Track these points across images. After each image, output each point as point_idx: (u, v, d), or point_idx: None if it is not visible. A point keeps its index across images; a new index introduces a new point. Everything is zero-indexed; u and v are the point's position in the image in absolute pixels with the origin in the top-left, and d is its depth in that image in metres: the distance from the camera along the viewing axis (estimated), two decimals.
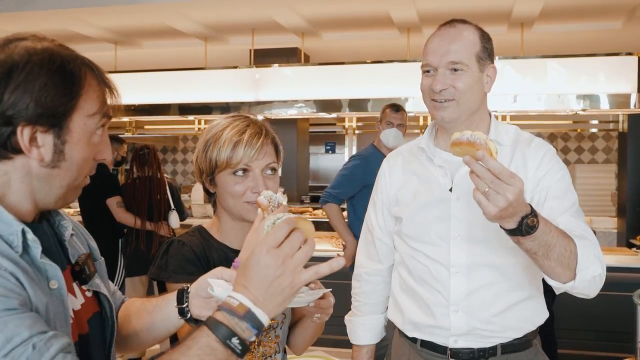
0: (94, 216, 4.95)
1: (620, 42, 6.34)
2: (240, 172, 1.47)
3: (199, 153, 1.53)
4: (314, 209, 6.84)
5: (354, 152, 8.76)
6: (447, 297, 1.73)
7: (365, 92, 5.83)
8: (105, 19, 5.93)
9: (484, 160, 1.26)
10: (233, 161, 1.46)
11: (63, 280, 1.03)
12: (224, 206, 1.53)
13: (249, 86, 6.08)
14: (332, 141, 9.56)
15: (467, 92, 1.70)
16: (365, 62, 5.91)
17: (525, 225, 1.35)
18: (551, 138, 8.52)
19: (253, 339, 1.00)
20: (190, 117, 7.11)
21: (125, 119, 7.41)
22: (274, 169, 1.52)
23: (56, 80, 1.00)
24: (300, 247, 1.00)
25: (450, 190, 1.76)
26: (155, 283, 1.53)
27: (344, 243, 4.23)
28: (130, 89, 6.19)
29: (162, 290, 1.50)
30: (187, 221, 5.67)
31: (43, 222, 1.12)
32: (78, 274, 1.14)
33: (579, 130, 8.43)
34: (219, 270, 1.23)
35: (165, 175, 5.28)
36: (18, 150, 0.99)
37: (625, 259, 4.51)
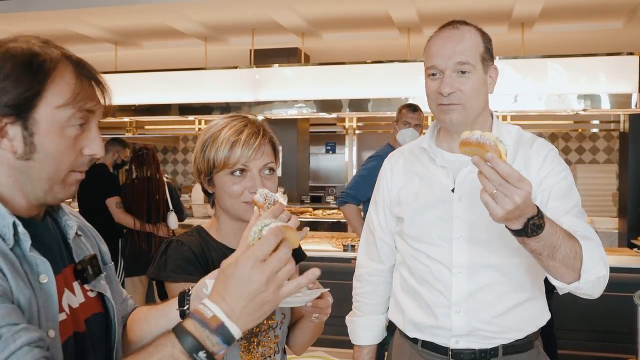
0: (93, 216, 4.92)
1: (621, 41, 6.33)
2: (237, 172, 1.47)
3: (197, 153, 1.53)
4: (314, 209, 6.84)
5: (354, 152, 8.77)
6: (448, 297, 1.73)
7: (366, 92, 5.83)
8: (105, 19, 5.93)
9: (492, 162, 1.25)
10: (230, 161, 1.46)
11: (53, 275, 1.04)
12: (222, 206, 1.53)
13: (249, 86, 6.08)
14: (332, 141, 9.56)
15: (474, 95, 1.69)
16: (365, 62, 5.91)
17: (531, 227, 1.34)
18: (552, 138, 8.51)
19: (222, 353, 0.96)
20: (191, 117, 7.12)
21: (126, 119, 7.42)
22: (272, 169, 1.51)
23: (19, 71, 1.00)
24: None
25: (453, 190, 1.75)
26: (154, 283, 1.52)
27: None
28: (131, 89, 6.19)
29: (161, 290, 1.50)
30: (188, 221, 5.67)
31: (47, 219, 1.14)
32: (80, 272, 1.15)
33: (579, 130, 8.43)
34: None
35: (165, 175, 5.28)
36: None
37: (626, 259, 4.50)
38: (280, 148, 1.58)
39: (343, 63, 5.94)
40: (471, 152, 1.30)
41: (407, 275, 1.84)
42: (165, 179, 5.23)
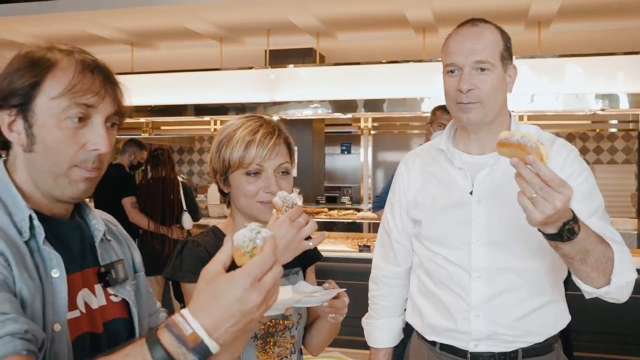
0: None
1: (639, 40, 6.26)
2: (252, 172, 1.47)
3: (213, 153, 1.54)
4: (330, 209, 6.83)
5: (370, 152, 8.75)
6: (467, 301, 1.71)
7: (381, 93, 5.81)
8: (121, 20, 5.98)
9: (534, 165, 1.22)
10: (245, 161, 1.46)
11: (65, 271, 1.05)
12: (238, 206, 1.53)
13: (264, 87, 6.09)
14: (347, 142, 9.53)
15: (492, 93, 1.67)
16: (380, 62, 5.89)
17: (566, 231, 1.32)
18: (569, 138, 8.43)
19: None
20: (206, 118, 7.15)
21: (142, 119, 7.47)
22: (287, 169, 1.51)
23: (24, 65, 1.07)
24: None
25: (471, 193, 1.73)
26: (170, 283, 1.53)
27: None
28: (147, 90, 6.23)
29: (177, 290, 1.51)
30: (204, 221, 5.69)
31: (75, 220, 1.17)
32: (102, 275, 1.16)
33: (597, 130, 8.34)
34: None
35: (181, 175, 5.31)
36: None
37: None
38: (295, 148, 1.58)
39: (358, 63, 5.93)
40: (510, 153, 1.27)
41: (425, 278, 1.82)
42: (180, 179, 5.26)
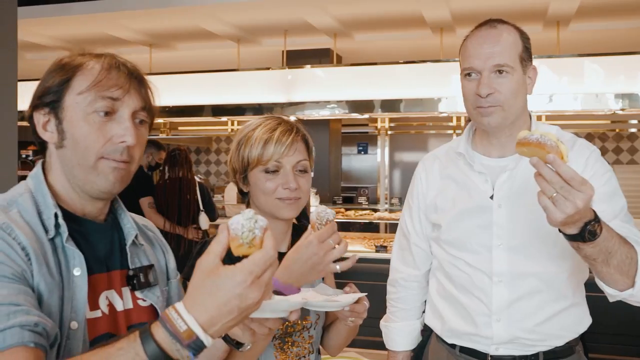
0: None
1: None
2: (271, 169, 1.48)
3: (232, 153, 1.55)
4: (346, 209, 6.83)
5: (387, 152, 8.73)
6: (489, 305, 1.69)
7: (398, 93, 5.80)
8: (140, 22, 6.02)
9: (555, 164, 1.20)
10: (264, 158, 1.47)
11: (86, 270, 1.07)
12: (257, 204, 1.54)
13: (282, 87, 6.10)
14: (364, 142, 9.54)
15: (512, 96, 1.64)
16: (397, 63, 5.88)
17: (587, 232, 1.29)
18: (588, 138, 8.34)
19: None
20: (224, 118, 7.18)
21: (160, 120, 7.52)
22: (305, 167, 1.52)
23: (54, 69, 1.14)
24: None
25: (491, 197, 1.70)
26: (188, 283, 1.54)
27: None
28: (165, 91, 6.20)
29: None
30: (220, 221, 5.72)
31: (108, 223, 1.20)
32: (130, 278, 1.18)
33: (617, 130, 8.25)
34: None
35: (198, 176, 5.34)
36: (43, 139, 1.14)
37: None
38: (313, 147, 1.59)
39: (375, 63, 5.92)
40: (529, 152, 1.25)
41: (445, 281, 1.81)
42: (197, 179, 5.30)
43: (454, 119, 7.94)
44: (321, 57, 6.75)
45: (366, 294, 1.43)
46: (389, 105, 5.87)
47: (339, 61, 7.07)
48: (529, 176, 1.29)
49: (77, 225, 1.12)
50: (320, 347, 1.67)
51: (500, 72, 1.63)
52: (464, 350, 1.76)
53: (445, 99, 5.56)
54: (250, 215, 0.92)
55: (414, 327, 1.98)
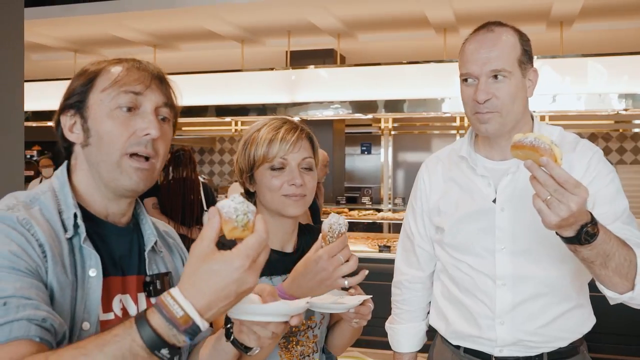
0: None
1: None
2: (277, 166, 1.50)
3: (239, 154, 1.57)
4: (350, 209, 6.85)
5: (390, 152, 8.75)
6: (492, 308, 1.69)
7: (401, 93, 5.81)
8: (144, 23, 6.04)
9: (548, 167, 1.20)
10: (270, 155, 1.49)
11: (102, 272, 1.09)
12: (263, 202, 1.55)
13: (285, 88, 6.12)
14: (368, 142, 9.55)
15: (511, 101, 1.62)
16: (401, 63, 5.89)
17: (584, 234, 1.28)
18: (592, 138, 8.35)
19: (186, 344, 0.90)
20: (227, 119, 7.20)
21: None
22: (310, 165, 1.53)
23: (79, 74, 1.18)
24: None
25: (494, 201, 1.70)
26: None
27: None
28: None
29: None
30: None
31: (129, 228, 1.22)
32: (146, 285, 1.19)
33: (621, 131, 8.25)
34: (261, 286, 1.17)
35: (202, 176, 5.36)
36: (69, 141, 1.17)
37: None
38: (317, 144, 1.60)
39: (379, 64, 5.93)
40: (524, 155, 1.24)
41: (449, 283, 1.81)
42: (201, 180, 5.31)
43: (458, 119, 7.95)
44: (325, 57, 6.77)
45: (371, 296, 1.44)
46: (393, 105, 5.88)
47: (343, 61, 7.09)
48: None
49: (97, 227, 1.13)
50: (325, 346, 1.68)
51: (497, 77, 1.61)
52: (469, 351, 1.76)
53: (449, 99, 5.57)
54: (242, 200, 0.93)
55: (419, 329, 1.97)
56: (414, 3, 5.29)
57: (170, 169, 5.14)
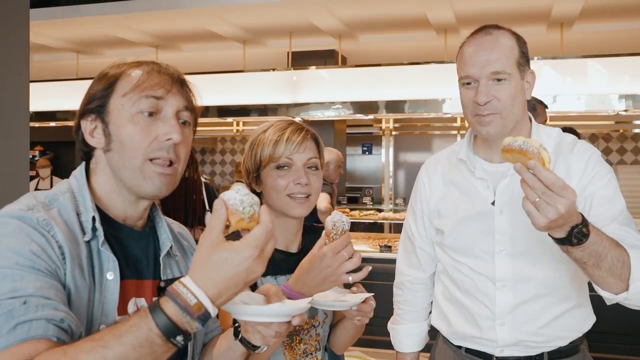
0: None
1: None
2: (282, 165, 1.52)
3: (245, 156, 1.60)
4: (351, 209, 6.86)
5: (391, 153, 8.76)
6: (492, 310, 1.71)
7: (402, 94, 5.83)
8: (146, 24, 6.06)
9: (535, 170, 1.22)
10: (276, 155, 1.52)
11: (119, 275, 1.10)
12: (269, 203, 1.57)
13: (287, 88, 6.14)
14: (369, 142, 9.56)
15: (510, 103, 1.63)
16: (402, 64, 5.91)
17: (575, 235, 1.30)
18: (592, 139, 8.36)
19: (198, 330, 0.94)
20: (229, 119, 7.22)
21: None
22: (316, 165, 1.56)
23: (98, 78, 1.18)
24: None
25: (493, 203, 1.71)
26: None
27: None
28: None
29: None
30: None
31: (146, 232, 1.23)
32: (161, 290, 1.20)
33: (621, 131, 8.26)
34: (266, 287, 1.20)
35: (203, 176, 5.37)
36: (90, 145, 1.17)
37: None
38: (323, 145, 1.62)
39: (380, 65, 5.95)
40: (513, 159, 1.27)
41: (449, 284, 1.82)
42: (203, 180, 5.33)
43: (458, 120, 7.96)
44: (326, 58, 6.79)
45: (373, 294, 1.46)
46: (394, 106, 5.90)
47: (344, 62, 7.10)
48: None
49: (115, 230, 1.15)
50: (328, 344, 1.70)
51: (497, 79, 1.63)
52: (470, 351, 1.78)
53: (450, 99, 5.59)
54: (247, 191, 0.96)
55: (421, 329, 1.99)
56: (414, 4, 5.31)
57: None
